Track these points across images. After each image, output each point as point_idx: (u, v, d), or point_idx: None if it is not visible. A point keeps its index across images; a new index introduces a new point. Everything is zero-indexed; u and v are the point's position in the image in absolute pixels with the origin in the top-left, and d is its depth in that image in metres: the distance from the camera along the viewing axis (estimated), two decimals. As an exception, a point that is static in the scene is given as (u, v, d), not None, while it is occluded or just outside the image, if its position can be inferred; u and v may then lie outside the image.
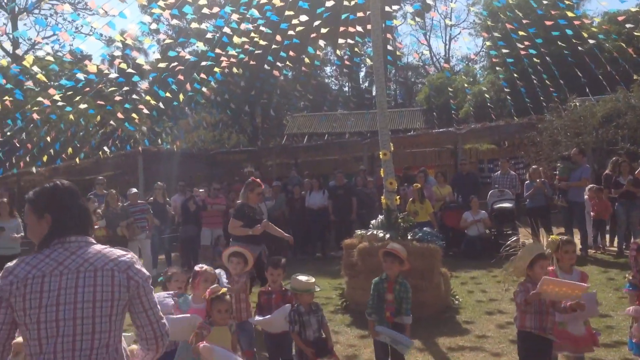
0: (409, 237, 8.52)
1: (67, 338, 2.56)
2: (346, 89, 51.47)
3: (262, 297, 5.96)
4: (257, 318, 5.83)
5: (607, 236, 12.55)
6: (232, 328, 4.90)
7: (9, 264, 2.70)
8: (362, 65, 42.05)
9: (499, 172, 14.16)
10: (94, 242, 2.79)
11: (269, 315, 5.68)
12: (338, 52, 19.67)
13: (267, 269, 6.08)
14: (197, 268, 5.62)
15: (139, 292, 2.72)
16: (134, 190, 12.76)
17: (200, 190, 13.86)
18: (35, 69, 9.41)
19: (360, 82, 49.42)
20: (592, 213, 12.00)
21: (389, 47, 15.95)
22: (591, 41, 13.98)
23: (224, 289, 4.96)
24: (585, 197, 12.08)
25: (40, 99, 10.97)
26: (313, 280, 5.57)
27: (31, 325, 2.58)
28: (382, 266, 5.81)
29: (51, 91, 9.93)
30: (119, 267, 2.68)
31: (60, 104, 10.26)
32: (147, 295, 2.76)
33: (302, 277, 5.53)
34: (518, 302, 5.24)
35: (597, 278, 9.55)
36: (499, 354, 6.46)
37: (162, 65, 14.63)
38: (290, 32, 12.01)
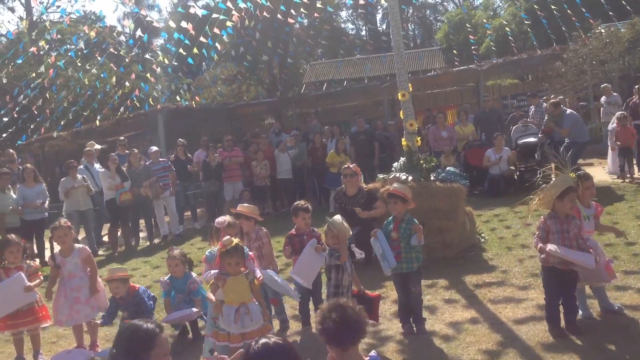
0: (432, 178, 8.44)
1: None
2: (363, 32, 50.41)
3: (294, 240, 6.02)
4: (293, 271, 5.89)
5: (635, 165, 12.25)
6: (249, 277, 4.87)
7: None
8: (379, 6, 41.03)
9: (532, 107, 14.03)
10: None
11: (298, 260, 5.75)
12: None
13: (296, 215, 6.09)
14: (217, 225, 5.61)
15: None
16: (155, 148, 12.80)
17: (215, 154, 13.57)
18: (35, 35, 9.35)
19: (378, 25, 48.32)
20: (616, 142, 11.72)
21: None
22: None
23: (236, 240, 4.93)
24: (613, 125, 11.80)
25: (41, 69, 10.93)
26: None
27: None
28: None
29: (52, 59, 9.88)
30: None
31: (69, 69, 10.21)
32: None
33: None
34: (535, 242, 5.20)
35: (622, 207, 9.37)
36: (525, 288, 6.44)
37: (172, 24, 14.43)
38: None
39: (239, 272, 4.83)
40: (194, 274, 6.31)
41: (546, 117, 12.12)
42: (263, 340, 2.56)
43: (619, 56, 15.49)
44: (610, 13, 14.96)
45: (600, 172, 12.43)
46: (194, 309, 5.99)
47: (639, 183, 11.29)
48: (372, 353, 3.07)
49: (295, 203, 6.26)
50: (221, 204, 13.45)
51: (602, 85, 14.17)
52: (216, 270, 5.15)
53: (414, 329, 5.59)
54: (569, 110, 11.84)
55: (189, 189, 13.68)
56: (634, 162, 12.07)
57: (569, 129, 11.35)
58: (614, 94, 14.05)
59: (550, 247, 5.00)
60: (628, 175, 11.73)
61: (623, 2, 13.96)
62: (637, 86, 12.84)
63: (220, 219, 5.61)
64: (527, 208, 5.56)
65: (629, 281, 5.95)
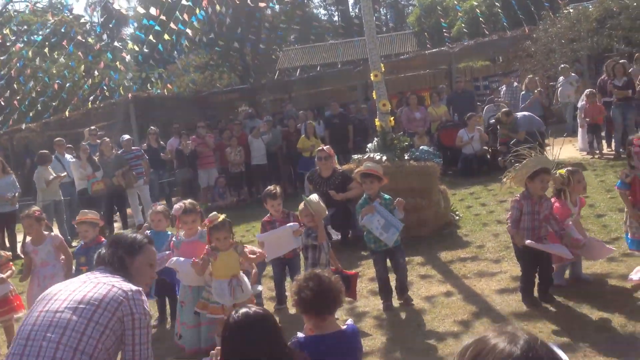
0: (406, 157, 8.47)
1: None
2: (336, 18, 50.27)
3: (267, 227, 6.00)
4: (261, 235, 5.88)
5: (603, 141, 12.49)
6: (238, 249, 4.95)
7: None
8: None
9: (504, 87, 14.24)
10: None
11: (273, 230, 5.77)
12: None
13: (265, 202, 6.08)
14: (173, 212, 5.52)
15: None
16: (127, 136, 12.65)
17: (188, 142, 13.40)
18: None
19: (350, 10, 48.19)
20: (585, 118, 11.91)
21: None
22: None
23: (222, 216, 4.92)
24: (582, 102, 12.01)
25: (2, 58, 10.70)
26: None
27: None
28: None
29: (17, 47, 9.69)
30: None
31: (37, 59, 9.99)
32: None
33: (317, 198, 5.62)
34: (508, 223, 5.25)
35: (593, 182, 9.54)
36: (498, 261, 6.54)
37: (140, 10, 14.21)
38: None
39: (228, 247, 4.87)
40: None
41: (499, 128, 12.13)
42: (243, 310, 2.64)
43: (587, 35, 15.70)
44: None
45: (571, 150, 12.63)
46: (166, 252, 5.82)
47: (608, 158, 11.51)
48: (349, 321, 3.10)
49: (266, 189, 6.24)
50: (196, 191, 13.38)
51: (561, 66, 14.42)
52: (181, 258, 5.11)
53: (394, 302, 5.66)
54: (519, 114, 11.94)
55: (162, 177, 13.57)
56: (603, 138, 12.32)
57: (524, 132, 11.43)
58: (572, 74, 14.34)
59: (528, 242, 5.05)
60: (597, 151, 11.95)
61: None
62: (605, 64, 13.05)
63: (176, 206, 5.49)
64: (500, 186, 5.62)
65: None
